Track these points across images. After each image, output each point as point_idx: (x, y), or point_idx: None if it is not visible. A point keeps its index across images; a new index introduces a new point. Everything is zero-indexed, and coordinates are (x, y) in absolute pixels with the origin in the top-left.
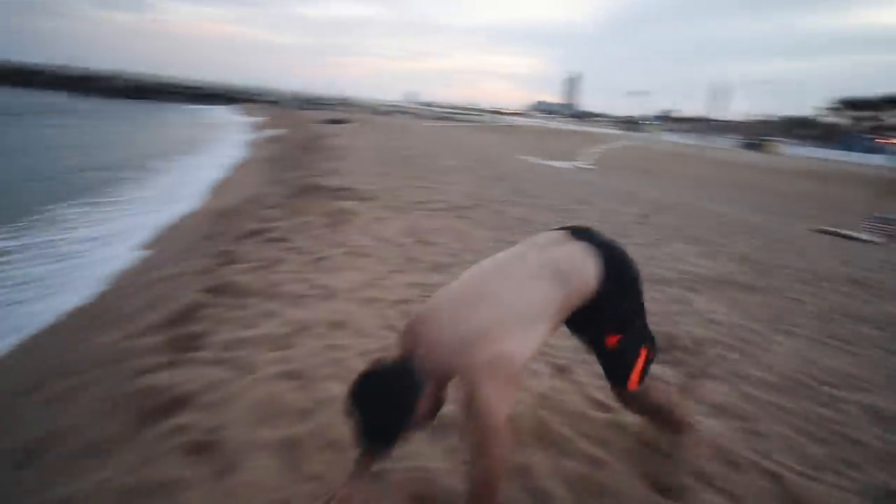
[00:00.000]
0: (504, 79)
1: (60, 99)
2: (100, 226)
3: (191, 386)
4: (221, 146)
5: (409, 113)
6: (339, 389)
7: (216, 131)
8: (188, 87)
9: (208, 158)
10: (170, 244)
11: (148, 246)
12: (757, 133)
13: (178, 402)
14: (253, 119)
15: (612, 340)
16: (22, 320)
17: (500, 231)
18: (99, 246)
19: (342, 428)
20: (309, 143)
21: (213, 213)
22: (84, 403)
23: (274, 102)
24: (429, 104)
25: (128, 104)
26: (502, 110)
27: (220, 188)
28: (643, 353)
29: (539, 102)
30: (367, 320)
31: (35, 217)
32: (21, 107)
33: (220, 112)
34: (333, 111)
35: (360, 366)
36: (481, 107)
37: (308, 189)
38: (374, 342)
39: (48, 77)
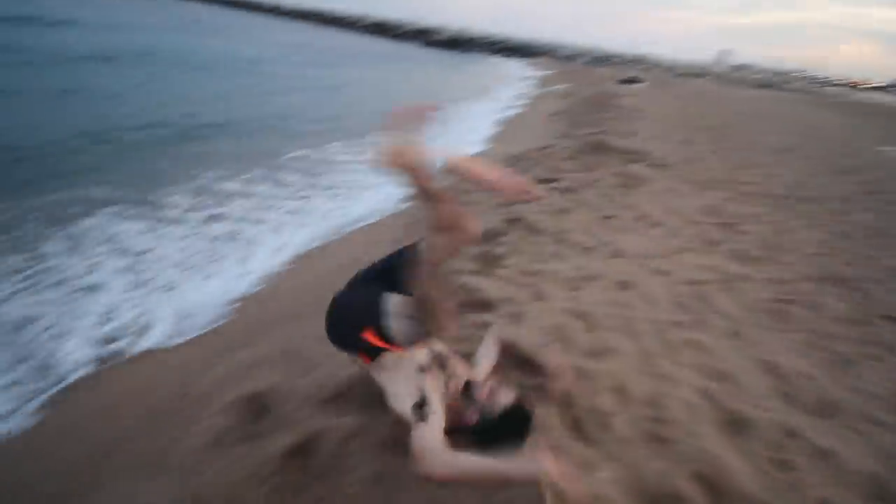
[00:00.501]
0: (871, 38)
1: (399, 48)
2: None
3: (494, 294)
4: (510, 96)
5: (719, 76)
6: (622, 344)
7: (508, 82)
8: (492, 42)
9: (497, 106)
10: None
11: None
12: None
13: (484, 304)
14: (544, 73)
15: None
16: (364, 210)
17: (839, 238)
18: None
19: (623, 378)
20: (599, 100)
21: (507, 156)
22: None
23: (568, 58)
24: (744, 67)
25: (445, 54)
26: (858, 82)
27: (506, 134)
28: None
29: None
30: (655, 290)
31: (364, 138)
32: (374, 54)
33: (515, 65)
34: (628, 69)
35: (647, 329)
36: (825, 75)
37: (597, 147)
38: (664, 313)
39: (399, 30)
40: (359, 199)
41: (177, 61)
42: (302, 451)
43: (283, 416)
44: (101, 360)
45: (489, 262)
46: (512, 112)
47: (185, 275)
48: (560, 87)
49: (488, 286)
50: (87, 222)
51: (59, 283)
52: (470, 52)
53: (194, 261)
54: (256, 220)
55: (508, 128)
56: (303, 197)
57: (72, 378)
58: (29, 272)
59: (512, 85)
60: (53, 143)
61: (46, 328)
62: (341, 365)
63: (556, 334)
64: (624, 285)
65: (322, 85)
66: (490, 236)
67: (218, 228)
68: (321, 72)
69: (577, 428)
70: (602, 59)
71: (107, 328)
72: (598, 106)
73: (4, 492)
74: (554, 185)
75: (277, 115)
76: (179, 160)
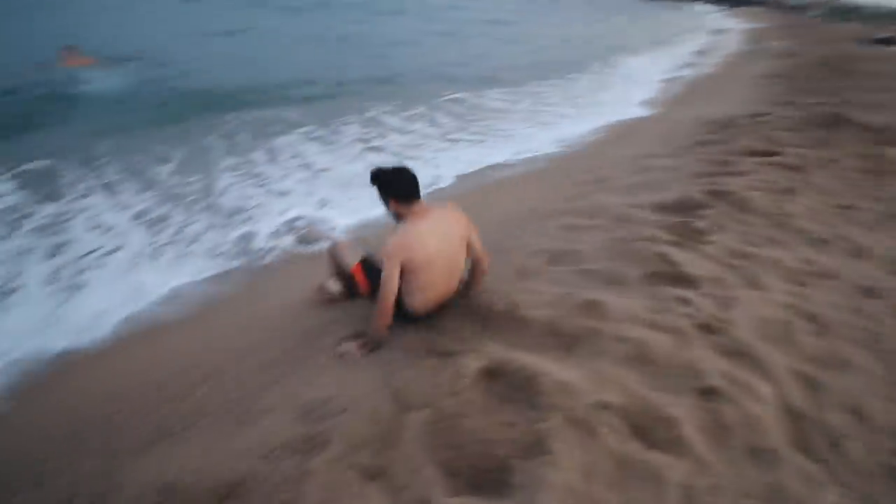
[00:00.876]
0: None
1: None
2: (564, 106)
3: (696, 271)
4: (696, 51)
5: None
6: (864, 360)
7: (699, 34)
8: None
9: (675, 63)
10: (636, 136)
11: (604, 132)
12: None
13: (683, 279)
14: (752, 26)
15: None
16: (503, 158)
17: None
18: (565, 120)
19: (863, 399)
20: (834, 63)
21: (706, 121)
22: (594, 238)
23: (794, 9)
24: None
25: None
26: None
27: (692, 96)
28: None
29: None
30: None
31: (521, 87)
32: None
33: (717, 16)
34: (884, 26)
35: None
36: None
37: (832, 120)
38: None
39: None
40: (501, 147)
41: (376, 9)
42: (491, 376)
43: (466, 339)
44: (289, 252)
45: (688, 235)
46: (699, 71)
47: (345, 193)
48: (776, 44)
49: (689, 261)
50: (284, 139)
51: (260, 185)
52: None
53: (354, 182)
54: (407, 156)
55: (695, 89)
56: (451, 139)
57: (267, 260)
58: (241, 172)
59: (702, 38)
60: (271, 77)
61: (249, 218)
62: (538, 304)
63: (774, 330)
64: (870, 293)
65: (497, 33)
66: (688, 206)
67: (374, 158)
68: (499, 16)
69: (801, 439)
70: (846, 12)
71: (293, 225)
72: (834, 70)
73: (215, 335)
74: (773, 159)
75: (449, 62)
76: (358, 95)
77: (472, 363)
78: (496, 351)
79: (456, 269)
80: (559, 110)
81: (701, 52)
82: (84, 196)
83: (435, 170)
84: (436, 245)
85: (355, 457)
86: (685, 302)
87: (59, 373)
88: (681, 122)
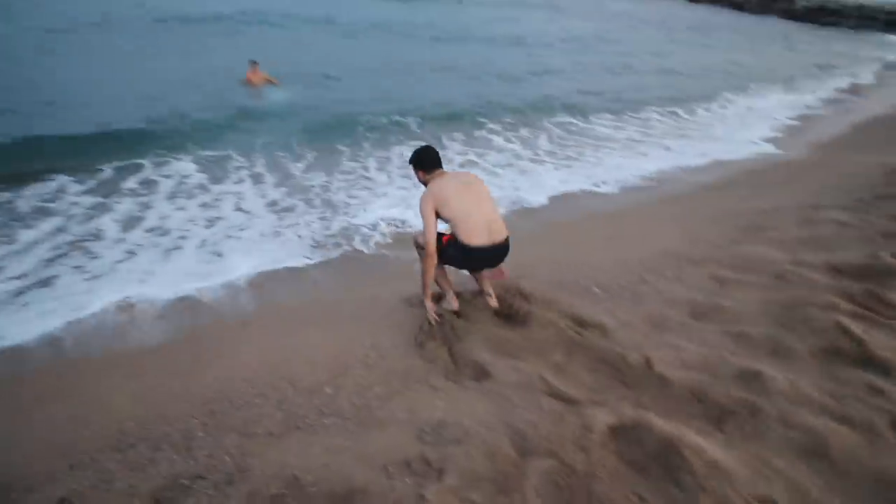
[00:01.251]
0: None
1: (738, 19)
2: (672, 137)
3: (890, 355)
4: (874, 86)
5: None
6: None
7: (873, 66)
8: (887, 13)
9: (833, 96)
10: (791, 180)
11: (722, 170)
12: None
13: (873, 362)
14: None
15: None
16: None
17: None
18: (667, 152)
19: None
20: None
21: (890, 169)
22: (748, 296)
23: None
24: None
25: (794, 25)
26: None
27: (869, 137)
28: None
29: None
30: None
31: (628, 114)
32: (705, 24)
33: None
34: None
35: None
36: None
37: None
38: None
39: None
40: (585, 174)
41: (493, 40)
42: (623, 436)
43: (591, 388)
44: (386, 253)
45: (877, 309)
46: (872, 109)
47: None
48: None
49: (880, 341)
50: (397, 149)
51: (366, 187)
52: (836, 26)
53: None
54: (492, 172)
55: (867, 130)
56: (538, 161)
57: (369, 259)
58: (352, 176)
59: (875, 71)
60: (407, 99)
61: (348, 213)
62: (679, 363)
63: None
64: None
65: (625, 62)
66: (876, 273)
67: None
68: (630, 47)
69: None
70: None
71: (388, 225)
72: None
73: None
74: None
75: (570, 88)
76: (473, 116)
77: (602, 417)
78: (628, 408)
79: (486, 199)
80: (664, 141)
81: (871, 88)
82: (237, 182)
83: (514, 192)
84: (457, 184)
85: (470, 493)
86: (877, 391)
87: (199, 333)
88: (852, 170)
